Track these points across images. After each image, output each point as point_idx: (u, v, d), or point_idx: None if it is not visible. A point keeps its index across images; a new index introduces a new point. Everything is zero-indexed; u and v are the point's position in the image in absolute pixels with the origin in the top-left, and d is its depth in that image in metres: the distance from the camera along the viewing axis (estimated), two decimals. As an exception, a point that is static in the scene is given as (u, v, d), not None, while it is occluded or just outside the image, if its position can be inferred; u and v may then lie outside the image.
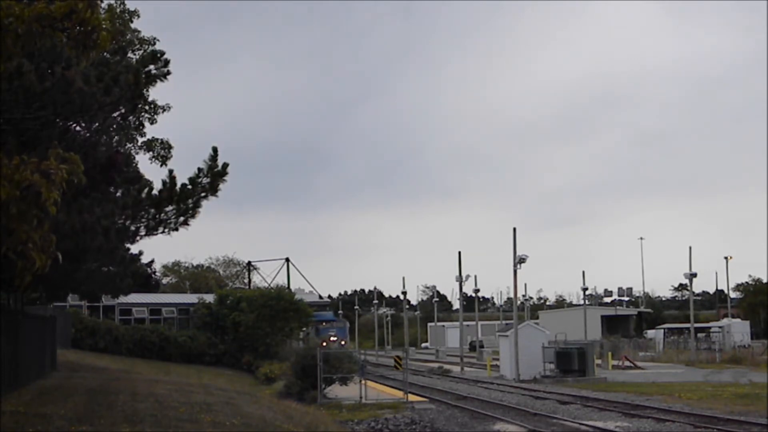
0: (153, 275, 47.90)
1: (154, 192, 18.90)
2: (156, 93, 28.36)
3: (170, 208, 19.04)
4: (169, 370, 44.65)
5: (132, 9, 29.68)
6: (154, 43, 29.53)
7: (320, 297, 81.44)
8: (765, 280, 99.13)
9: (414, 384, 39.76)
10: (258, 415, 21.24)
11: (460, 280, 61.79)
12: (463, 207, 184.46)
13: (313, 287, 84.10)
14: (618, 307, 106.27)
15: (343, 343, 66.67)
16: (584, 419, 27.05)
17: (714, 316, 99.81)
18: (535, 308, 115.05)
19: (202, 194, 19.01)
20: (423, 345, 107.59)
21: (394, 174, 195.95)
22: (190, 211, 19.16)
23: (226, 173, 19.08)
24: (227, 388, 31.68)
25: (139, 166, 24.01)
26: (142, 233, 19.81)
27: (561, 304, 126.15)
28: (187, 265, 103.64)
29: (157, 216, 19.20)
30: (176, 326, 61.32)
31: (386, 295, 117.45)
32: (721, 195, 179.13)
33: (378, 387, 38.62)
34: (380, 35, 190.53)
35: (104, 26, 7.81)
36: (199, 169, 18.94)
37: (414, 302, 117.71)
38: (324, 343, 50.58)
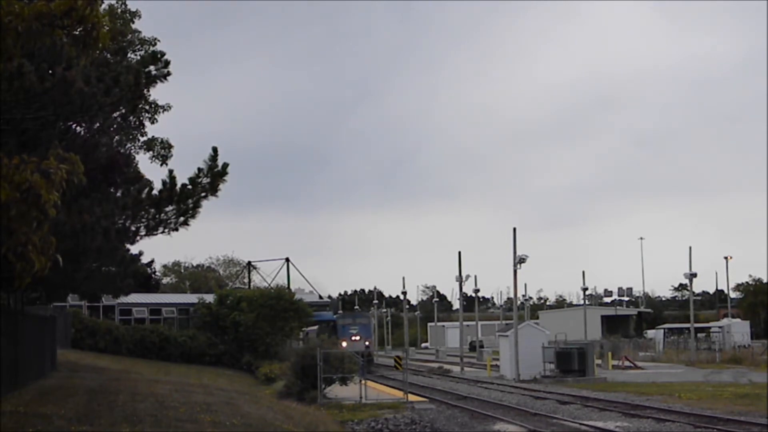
0: (153, 275, 47.93)
1: (154, 192, 18.92)
2: (156, 93, 28.26)
3: (170, 208, 19.06)
4: (169, 370, 44.60)
5: (133, 9, 29.62)
6: (155, 44, 29.45)
7: (320, 297, 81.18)
8: (765, 280, 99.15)
9: (414, 384, 39.74)
10: (258, 415, 21.26)
11: (460, 280, 61.79)
12: (462, 207, 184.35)
13: (313, 287, 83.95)
14: (618, 307, 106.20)
15: (367, 344, 54.80)
16: (584, 419, 27.04)
17: (714, 316, 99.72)
18: (535, 308, 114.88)
19: (202, 194, 19.04)
20: (423, 345, 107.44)
21: (393, 174, 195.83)
22: (190, 211, 19.19)
23: (226, 173, 19.10)
24: (227, 388, 31.70)
25: (139, 165, 24.01)
26: (142, 233, 19.82)
27: (561, 304, 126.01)
28: (187, 265, 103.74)
29: (157, 216, 19.22)
30: (176, 326, 61.25)
31: (386, 295, 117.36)
32: (721, 195, 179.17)
33: (378, 387, 38.60)
34: (378, 36, 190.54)
35: (104, 24, 7.81)
36: (199, 169, 18.96)
37: (414, 302, 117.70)
38: (344, 344, 46.44)
